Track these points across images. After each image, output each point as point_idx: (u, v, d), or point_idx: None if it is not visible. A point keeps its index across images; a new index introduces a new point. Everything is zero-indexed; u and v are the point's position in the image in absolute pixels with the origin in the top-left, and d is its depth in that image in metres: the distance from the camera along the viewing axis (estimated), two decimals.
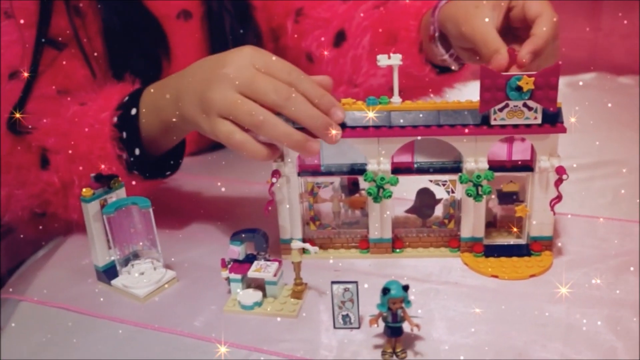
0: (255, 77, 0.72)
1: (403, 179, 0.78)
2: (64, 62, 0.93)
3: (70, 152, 0.85)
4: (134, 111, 0.83)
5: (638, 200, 0.92)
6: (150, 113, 0.83)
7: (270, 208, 0.77)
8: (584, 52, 1.60)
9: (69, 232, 0.91)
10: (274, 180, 0.76)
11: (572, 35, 1.61)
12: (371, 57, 1.02)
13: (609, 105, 1.35)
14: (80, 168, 0.85)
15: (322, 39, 1.10)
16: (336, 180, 0.82)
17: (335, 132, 0.73)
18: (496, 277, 0.76)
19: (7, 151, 0.88)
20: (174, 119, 0.79)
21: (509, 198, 0.80)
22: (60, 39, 0.92)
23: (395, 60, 0.75)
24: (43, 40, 0.90)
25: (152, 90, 0.84)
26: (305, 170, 0.80)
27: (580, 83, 1.51)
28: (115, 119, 0.83)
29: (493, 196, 0.81)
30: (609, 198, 0.94)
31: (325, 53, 1.09)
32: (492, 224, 0.82)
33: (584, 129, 1.21)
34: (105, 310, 0.74)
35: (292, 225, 0.81)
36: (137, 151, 0.83)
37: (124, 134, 0.83)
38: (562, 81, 1.50)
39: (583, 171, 1.04)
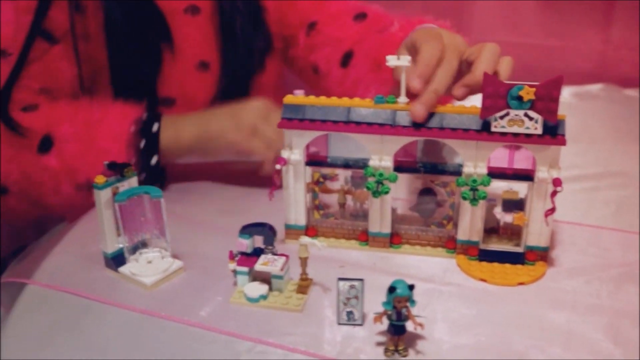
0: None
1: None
2: (54, 59, 0.95)
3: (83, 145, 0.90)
4: (155, 127, 0.92)
5: (639, 212, 0.94)
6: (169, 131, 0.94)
7: (273, 193, 0.80)
8: (592, 64, 1.61)
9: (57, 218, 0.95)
10: (277, 166, 0.79)
11: (581, 46, 1.62)
12: (367, 79, 1.07)
13: (615, 116, 1.37)
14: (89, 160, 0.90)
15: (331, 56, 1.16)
16: (347, 173, 0.85)
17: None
18: (484, 281, 0.77)
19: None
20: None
21: (513, 206, 0.81)
22: (56, 33, 0.94)
23: (403, 61, 0.77)
24: (38, 29, 0.92)
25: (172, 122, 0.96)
26: (312, 161, 0.83)
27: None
28: (133, 128, 0.92)
29: (498, 203, 0.82)
30: (612, 209, 0.95)
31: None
32: (494, 230, 0.83)
33: (590, 139, 1.24)
34: (112, 297, 0.75)
35: (296, 212, 0.84)
36: (154, 160, 0.93)
37: (142, 143, 0.91)
38: (569, 91, 1.54)
39: (588, 181, 1.05)
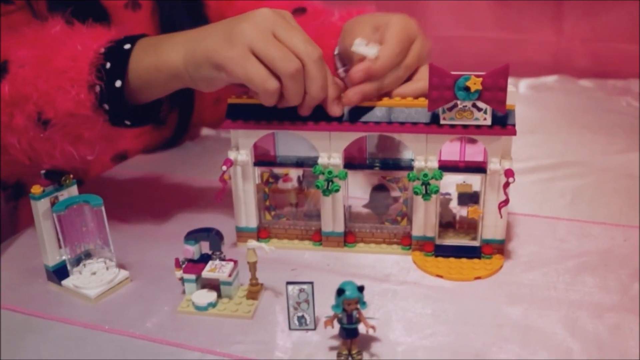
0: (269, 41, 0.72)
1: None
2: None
3: (39, 67, 0.79)
4: (127, 46, 0.79)
5: (593, 201, 0.93)
6: (146, 54, 0.79)
7: (221, 196, 0.77)
8: (547, 56, 1.62)
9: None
10: (224, 168, 0.77)
11: (535, 38, 1.63)
12: None
13: (570, 107, 1.37)
14: (44, 85, 0.79)
15: None
16: (299, 172, 0.83)
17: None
18: (440, 277, 0.75)
19: None
20: (176, 65, 0.76)
21: (468, 199, 0.79)
22: None
23: (370, 51, 0.75)
24: None
25: (155, 38, 0.82)
26: (260, 161, 0.81)
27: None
28: (103, 49, 0.79)
29: (453, 197, 0.81)
30: (568, 199, 0.95)
31: None
32: (451, 225, 0.82)
33: (546, 130, 1.24)
34: (55, 311, 0.72)
35: (247, 214, 0.82)
36: (118, 83, 0.78)
37: (108, 64, 0.78)
38: (525, 83, 1.54)
39: (544, 172, 1.04)
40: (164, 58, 0.77)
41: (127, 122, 0.82)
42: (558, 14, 1.60)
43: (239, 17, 0.75)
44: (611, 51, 1.57)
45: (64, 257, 0.76)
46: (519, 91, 1.47)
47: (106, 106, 0.79)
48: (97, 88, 0.78)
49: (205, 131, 1.26)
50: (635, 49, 1.48)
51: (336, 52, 0.92)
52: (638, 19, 1.52)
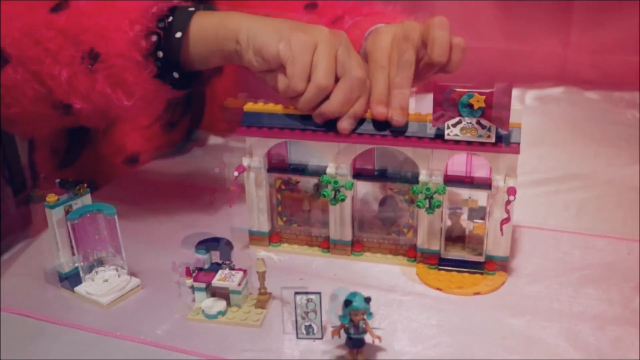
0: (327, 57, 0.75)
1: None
2: None
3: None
4: (192, 9, 0.81)
5: (598, 214, 0.94)
6: (210, 17, 0.81)
7: (233, 200, 0.80)
8: (553, 67, 1.62)
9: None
10: (235, 174, 0.79)
11: (542, 49, 1.63)
12: None
13: (576, 119, 1.38)
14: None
15: None
16: (314, 179, 0.84)
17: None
18: (440, 290, 0.76)
19: None
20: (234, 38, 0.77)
21: (477, 214, 0.80)
22: None
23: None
24: None
25: (217, 13, 0.82)
26: (273, 167, 0.83)
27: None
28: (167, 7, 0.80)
29: (464, 212, 0.82)
30: (572, 212, 0.96)
31: None
32: (461, 239, 0.83)
33: (552, 142, 1.25)
34: (68, 317, 0.73)
35: (259, 218, 0.84)
36: (178, 34, 0.79)
37: (170, 18, 0.79)
38: (531, 94, 1.55)
39: (549, 185, 1.05)
40: (228, 21, 0.79)
41: (173, 78, 0.82)
42: (565, 25, 1.61)
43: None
44: (618, 63, 1.57)
45: (77, 265, 0.78)
46: (525, 102, 1.47)
47: (160, 53, 0.79)
48: (154, 37, 0.78)
49: (213, 139, 1.28)
50: None
51: None
52: None
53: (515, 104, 0.71)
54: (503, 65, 1.63)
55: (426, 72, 0.80)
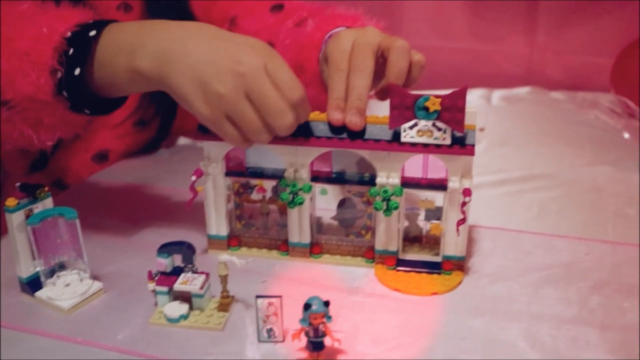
0: (265, 91, 0.70)
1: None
2: None
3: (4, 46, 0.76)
4: (93, 32, 0.75)
5: (559, 214, 0.96)
6: (116, 54, 0.75)
7: (190, 205, 0.80)
8: (520, 67, 1.65)
9: None
10: (193, 178, 0.80)
11: (508, 49, 1.66)
12: None
13: (541, 119, 1.40)
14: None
15: None
16: (272, 182, 0.84)
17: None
18: (398, 291, 0.77)
19: None
20: (144, 74, 0.73)
21: (434, 215, 0.81)
22: None
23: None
24: None
25: (125, 28, 0.77)
26: (231, 171, 0.83)
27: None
28: (69, 33, 0.75)
29: (421, 212, 0.83)
30: (534, 212, 0.97)
31: None
32: (418, 239, 0.84)
33: (516, 142, 1.26)
34: (28, 323, 0.73)
35: (217, 222, 0.84)
36: (77, 71, 0.74)
37: (71, 50, 0.74)
38: (498, 94, 1.57)
39: (513, 185, 1.07)
40: (135, 64, 0.73)
41: (87, 111, 0.79)
42: (531, 26, 1.63)
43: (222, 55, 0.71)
44: (582, 64, 1.60)
45: (37, 269, 0.77)
46: (492, 102, 1.49)
47: (65, 93, 0.76)
48: (59, 74, 0.75)
49: (182, 140, 1.27)
50: (605, 63, 1.51)
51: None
52: (609, 33, 1.56)
53: (470, 107, 0.72)
54: (470, 64, 1.65)
55: (379, 94, 0.82)
